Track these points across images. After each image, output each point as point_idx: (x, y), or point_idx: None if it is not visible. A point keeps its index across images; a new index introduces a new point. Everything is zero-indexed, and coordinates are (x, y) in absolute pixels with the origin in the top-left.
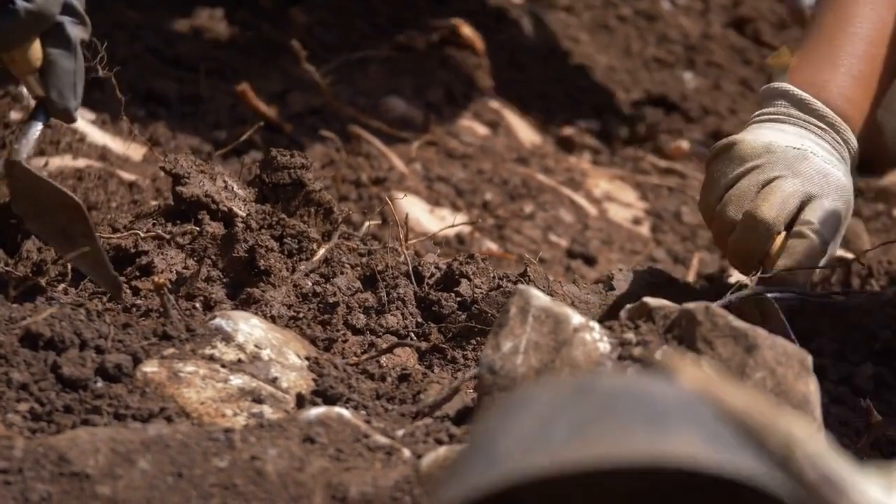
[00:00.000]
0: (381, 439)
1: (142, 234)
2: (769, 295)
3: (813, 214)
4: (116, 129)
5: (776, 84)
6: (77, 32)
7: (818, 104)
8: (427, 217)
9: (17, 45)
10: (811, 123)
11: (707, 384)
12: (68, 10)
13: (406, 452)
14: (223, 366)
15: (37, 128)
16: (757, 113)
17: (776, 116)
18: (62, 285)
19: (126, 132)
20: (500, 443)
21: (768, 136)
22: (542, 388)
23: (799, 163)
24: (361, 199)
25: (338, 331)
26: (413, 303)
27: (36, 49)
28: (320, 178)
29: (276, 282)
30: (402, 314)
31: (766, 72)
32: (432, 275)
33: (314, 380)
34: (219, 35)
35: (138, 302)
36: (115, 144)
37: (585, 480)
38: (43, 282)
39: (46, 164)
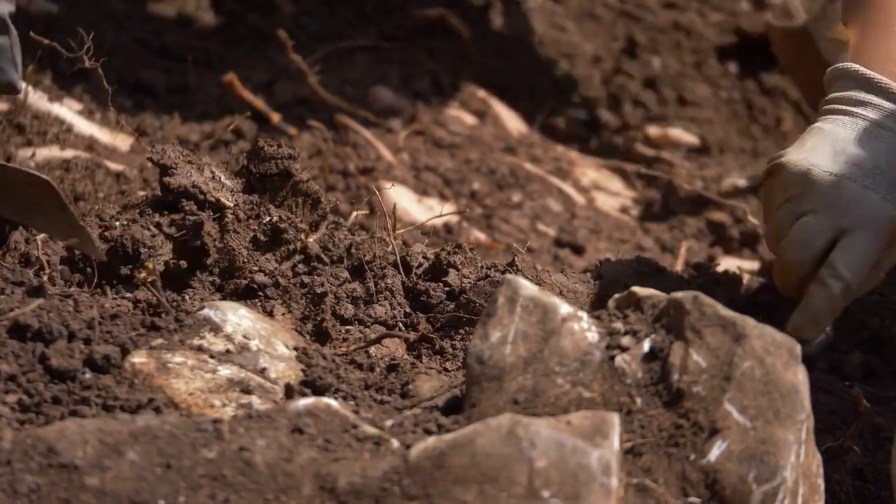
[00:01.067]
0: (370, 430)
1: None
2: None
3: (839, 255)
4: (104, 120)
5: (841, 65)
6: (3, 8)
7: (885, 81)
8: (415, 207)
9: None
10: (875, 106)
11: None
12: None
13: (395, 443)
14: (212, 356)
15: None
16: (825, 100)
17: (838, 107)
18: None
19: (113, 122)
20: None
21: (809, 158)
22: None
23: (832, 193)
24: (349, 189)
25: (324, 321)
26: (401, 293)
27: None
28: (308, 169)
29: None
30: (391, 304)
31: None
32: (420, 265)
33: (302, 370)
34: (206, 25)
35: (128, 295)
36: (102, 135)
37: None
38: (31, 273)
39: (34, 155)
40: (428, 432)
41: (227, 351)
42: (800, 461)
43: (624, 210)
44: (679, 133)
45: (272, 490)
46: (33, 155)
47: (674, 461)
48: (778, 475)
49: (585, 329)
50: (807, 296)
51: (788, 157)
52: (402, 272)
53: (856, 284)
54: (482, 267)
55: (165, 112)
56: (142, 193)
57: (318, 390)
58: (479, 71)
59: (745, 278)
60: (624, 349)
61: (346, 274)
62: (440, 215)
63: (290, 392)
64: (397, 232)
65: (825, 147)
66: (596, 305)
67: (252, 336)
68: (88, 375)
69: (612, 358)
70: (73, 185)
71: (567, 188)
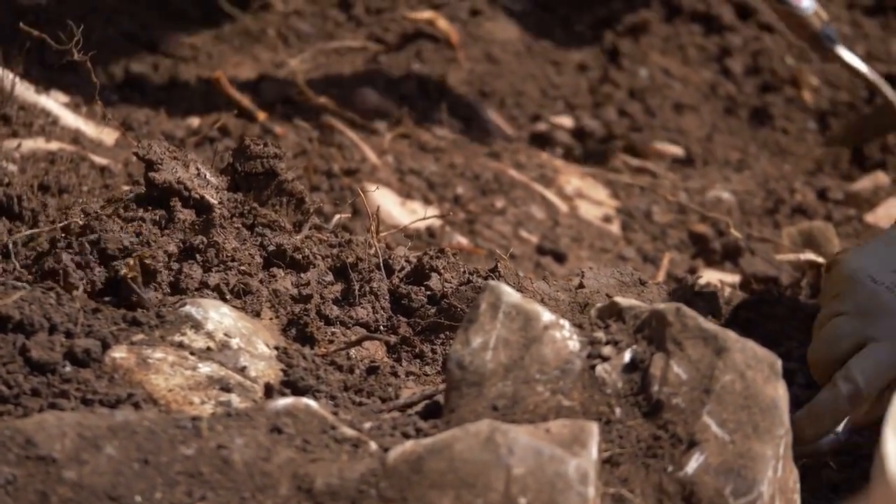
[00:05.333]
0: (348, 431)
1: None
2: None
3: (857, 360)
4: (90, 113)
5: None
6: None
7: None
8: (398, 210)
9: None
10: None
11: None
12: None
13: (373, 445)
14: (192, 353)
15: None
16: None
17: None
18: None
19: (99, 116)
20: None
21: (861, 261)
22: None
23: (868, 299)
24: (333, 190)
25: (307, 322)
26: (383, 296)
27: None
28: (293, 168)
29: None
30: (373, 307)
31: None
32: (402, 268)
33: (283, 370)
34: (194, 21)
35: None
36: (87, 128)
37: None
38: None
39: (19, 147)
40: (406, 436)
41: (208, 348)
42: (777, 476)
43: (607, 219)
44: (664, 144)
45: (249, 489)
46: (18, 146)
47: (651, 472)
48: (755, 489)
49: (567, 337)
50: (815, 399)
51: (846, 254)
52: (384, 275)
53: (867, 393)
54: (464, 272)
55: (152, 107)
56: (126, 188)
57: (298, 390)
58: (466, 76)
59: (727, 291)
60: (605, 359)
61: (328, 275)
62: (423, 219)
63: (269, 391)
64: (380, 235)
65: (880, 251)
66: (577, 315)
67: (233, 334)
68: (68, 369)
69: (593, 367)
70: (57, 177)
71: (550, 196)
